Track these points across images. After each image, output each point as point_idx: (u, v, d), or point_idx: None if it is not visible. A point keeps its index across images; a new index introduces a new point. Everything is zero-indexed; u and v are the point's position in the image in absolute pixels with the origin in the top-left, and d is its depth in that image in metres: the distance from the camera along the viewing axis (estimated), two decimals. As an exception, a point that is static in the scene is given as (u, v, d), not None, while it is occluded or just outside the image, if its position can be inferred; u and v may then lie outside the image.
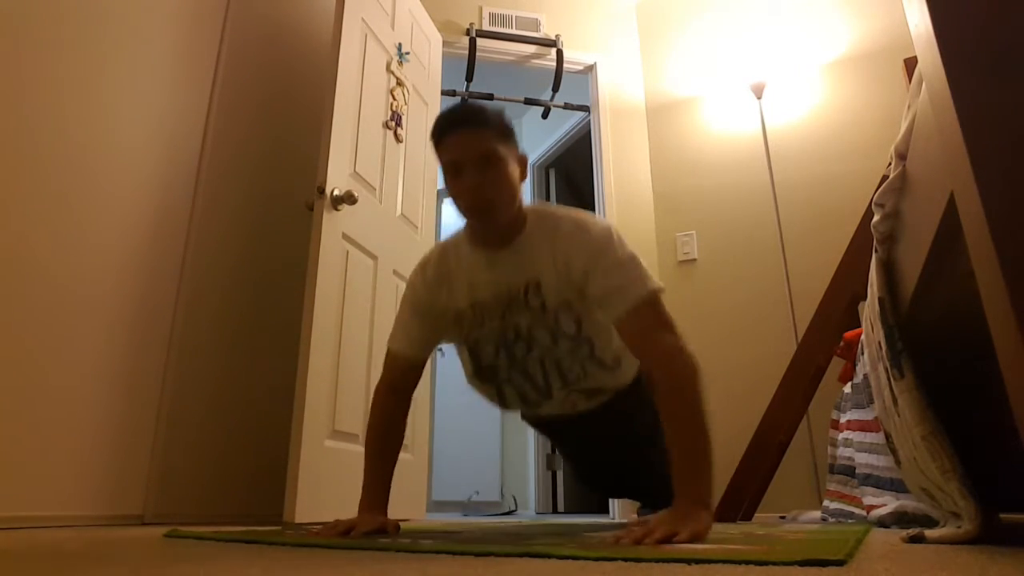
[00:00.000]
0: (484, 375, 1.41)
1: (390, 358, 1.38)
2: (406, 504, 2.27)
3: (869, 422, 1.74)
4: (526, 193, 4.85)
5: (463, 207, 1.25)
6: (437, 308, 1.35)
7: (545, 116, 3.97)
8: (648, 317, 1.16)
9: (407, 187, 2.57)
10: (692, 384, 1.10)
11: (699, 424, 1.07)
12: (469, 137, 1.21)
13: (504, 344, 1.34)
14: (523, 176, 1.29)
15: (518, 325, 1.31)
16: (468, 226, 1.32)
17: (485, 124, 1.22)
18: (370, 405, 1.38)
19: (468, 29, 3.36)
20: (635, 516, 2.04)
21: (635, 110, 3.52)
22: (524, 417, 1.66)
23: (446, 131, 1.23)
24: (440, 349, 4.75)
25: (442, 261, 1.35)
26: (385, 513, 1.28)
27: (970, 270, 0.63)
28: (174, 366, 1.90)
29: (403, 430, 1.37)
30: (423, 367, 1.40)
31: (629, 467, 1.63)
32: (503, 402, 1.47)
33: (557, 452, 3.93)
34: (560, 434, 1.72)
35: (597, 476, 1.75)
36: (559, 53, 3.44)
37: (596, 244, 1.21)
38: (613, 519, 2.79)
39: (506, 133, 1.25)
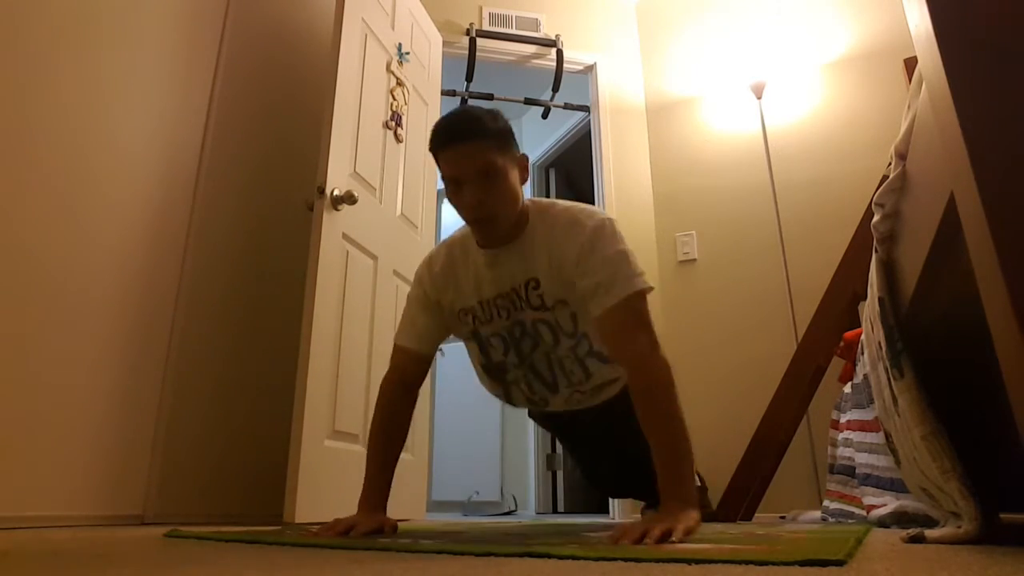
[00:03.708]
0: (493, 372, 1.44)
1: (398, 352, 1.39)
2: (406, 504, 2.27)
3: (869, 422, 1.74)
4: (526, 192, 4.86)
5: (466, 218, 1.27)
6: (444, 304, 1.38)
7: (545, 116, 3.97)
8: (627, 316, 1.16)
9: (407, 187, 2.57)
10: (665, 387, 1.12)
11: (676, 427, 1.10)
12: (467, 151, 1.20)
13: (511, 340, 1.36)
14: (524, 178, 1.29)
15: (523, 321, 1.33)
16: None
17: (483, 135, 1.20)
18: (375, 400, 1.38)
19: (468, 29, 3.36)
20: (639, 516, 2.04)
21: (635, 110, 3.52)
22: (530, 414, 1.68)
23: (444, 144, 1.22)
24: (440, 349, 4.74)
25: (449, 258, 1.37)
26: (384, 511, 1.28)
27: (970, 270, 0.63)
28: (174, 366, 1.90)
29: (407, 425, 1.38)
30: (430, 362, 1.41)
31: (632, 461, 1.64)
32: (509, 399, 1.50)
33: (559, 450, 3.93)
34: (564, 430, 1.73)
35: (601, 471, 1.76)
36: (559, 53, 3.44)
37: (586, 239, 1.21)
38: (613, 519, 2.79)
39: (504, 140, 1.24)
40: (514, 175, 1.25)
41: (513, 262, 1.29)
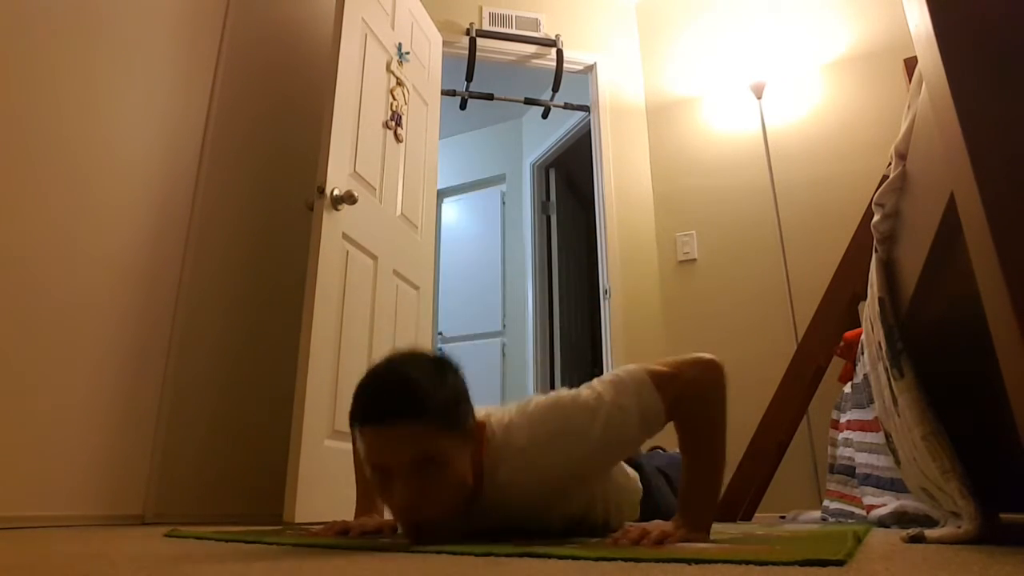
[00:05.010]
0: None
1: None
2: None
3: (869, 422, 1.74)
4: (526, 192, 4.82)
5: (395, 518, 1.01)
6: None
7: (545, 116, 3.98)
8: (667, 388, 1.01)
9: (407, 187, 2.57)
10: (718, 402, 1.02)
11: (718, 449, 1.03)
12: (398, 435, 0.89)
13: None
14: (480, 452, 1.01)
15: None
16: None
17: (421, 414, 0.89)
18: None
19: (468, 29, 3.36)
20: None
21: (635, 110, 3.52)
22: None
23: (366, 420, 0.91)
24: (440, 348, 4.73)
25: None
26: (382, 515, 1.27)
27: (970, 270, 0.63)
28: (174, 366, 1.90)
29: None
30: None
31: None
32: None
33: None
34: None
35: None
36: (559, 53, 3.44)
37: (576, 437, 1.00)
38: (613, 519, 2.79)
39: (451, 415, 0.93)
40: (463, 458, 0.95)
41: (481, 519, 1.05)
